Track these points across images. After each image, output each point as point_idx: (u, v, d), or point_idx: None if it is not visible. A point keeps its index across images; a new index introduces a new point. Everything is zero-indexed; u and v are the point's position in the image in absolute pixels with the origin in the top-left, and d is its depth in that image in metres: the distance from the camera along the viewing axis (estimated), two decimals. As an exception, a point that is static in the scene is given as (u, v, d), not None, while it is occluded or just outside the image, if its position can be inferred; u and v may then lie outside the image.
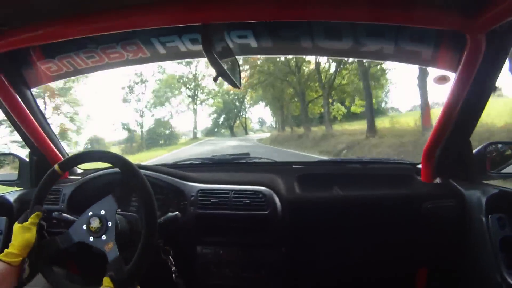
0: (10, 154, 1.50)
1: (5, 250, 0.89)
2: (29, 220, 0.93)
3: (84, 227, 0.93)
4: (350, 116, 16.39)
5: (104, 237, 0.92)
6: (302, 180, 1.32)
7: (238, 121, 27.17)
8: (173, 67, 21.78)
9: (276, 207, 1.16)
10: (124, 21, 0.83)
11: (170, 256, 1.08)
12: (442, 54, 0.99)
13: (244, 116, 27.01)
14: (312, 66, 16.39)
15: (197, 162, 1.60)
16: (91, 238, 0.92)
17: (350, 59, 13.02)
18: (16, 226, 0.92)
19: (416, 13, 0.78)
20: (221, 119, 26.40)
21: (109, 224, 0.92)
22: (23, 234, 0.91)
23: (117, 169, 0.96)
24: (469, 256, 1.11)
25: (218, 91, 22.98)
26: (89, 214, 0.94)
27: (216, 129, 26.42)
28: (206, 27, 0.83)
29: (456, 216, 1.15)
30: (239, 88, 1.04)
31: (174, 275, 1.07)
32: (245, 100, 25.04)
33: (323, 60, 15.36)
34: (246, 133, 26.84)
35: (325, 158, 5.70)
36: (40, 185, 0.99)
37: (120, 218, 0.98)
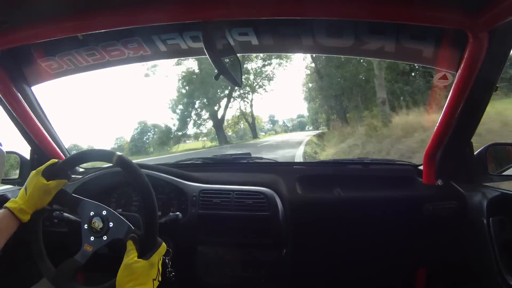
0: (11, 152, 1.50)
1: (18, 201, 0.86)
2: (55, 181, 0.90)
3: (86, 226, 0.92)
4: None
5: (105, 238, 0.91)
6: (303, 181, 1.32)
7: (237, 116, 16.01)
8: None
9: (277, 208, 1.15)
10: (125, 18, 0.83)
11: (167, 258, 1.08)
12: (444, 52, 0.99)
13: (247, 99, 16.06)
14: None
15: (198, 162, 1.59)
16: (92, 238, 0.91)
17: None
18: (40, 181, 0.88)
19: (417, 11, 0.78)
20: (196, 106, 15.33)
21: (111, 224, 0.91)
22: (43, 195, 0.89)
23: (118, 169, 0.95)
24: (470, 258, 1.11)
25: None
26: (91, 214, 0.93)
27: (181, 132, 16.21)
28: (207, 25, 0.83)
29: (457, 218, 1.14)
30: (239, 86, 1.03)
31: (168, 275, 1.05)
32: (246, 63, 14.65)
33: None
34: (255, 136, 18.24)
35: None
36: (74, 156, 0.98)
37: (122, 223, 0.95)
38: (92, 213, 0.93)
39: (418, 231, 1.20)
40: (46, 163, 0.92)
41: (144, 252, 0.82)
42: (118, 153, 0.92)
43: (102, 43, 1.12)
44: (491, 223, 1.02)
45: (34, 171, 0.91)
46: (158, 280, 0.83)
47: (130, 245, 0.82)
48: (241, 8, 0.79)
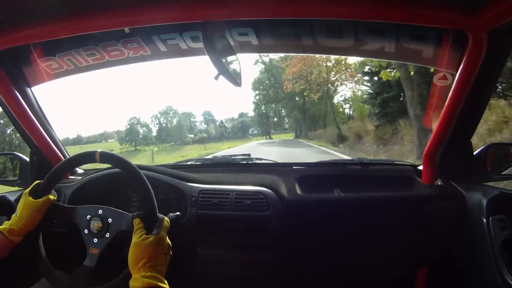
0: (11, 153, 1.50)
1: (9, 223, 0.87)
2: (43, 198, 0.91)
3: (86, 231, 0.92)
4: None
5: (107, 235, 0.91)
6: (302, 182, 1.31)
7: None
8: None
9: (276, 208, 1.15)
10: (125, 18, 0.83)
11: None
12: (443, 53, 0.99)
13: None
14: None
15: (198, 163, 1.59)
16: (95, 240, 0.91)
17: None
18: (28, 200, 0.89)
19: (417, 11, 0.78)
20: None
21: (110, 220, 0.92)
22: (32, 214, 0.89)
23: (117, 170, 0.95)
24: (470, 257, 1.10)
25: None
26: (88, 218, 0.93)
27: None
28: (207, 25, 0.83)
29: (457, 217, 1.14)
30: (239, 86, 1.03)
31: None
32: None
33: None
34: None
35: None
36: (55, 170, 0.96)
37: (121, 215, 0.95)
38: (88, 217, 0.93)
39: (418, 231, 1.20)
40: (31, 185, 0.93)
41: (150, 230, 0.82)
42: (99, 149, 0.92)
43: (102, 43, 1.12)
44: (491, 222, 1.01)
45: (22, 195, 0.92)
46: (170, 254, 0.84)
47: (137, 223, 0.83)
48: (241, 8, 0.80)
